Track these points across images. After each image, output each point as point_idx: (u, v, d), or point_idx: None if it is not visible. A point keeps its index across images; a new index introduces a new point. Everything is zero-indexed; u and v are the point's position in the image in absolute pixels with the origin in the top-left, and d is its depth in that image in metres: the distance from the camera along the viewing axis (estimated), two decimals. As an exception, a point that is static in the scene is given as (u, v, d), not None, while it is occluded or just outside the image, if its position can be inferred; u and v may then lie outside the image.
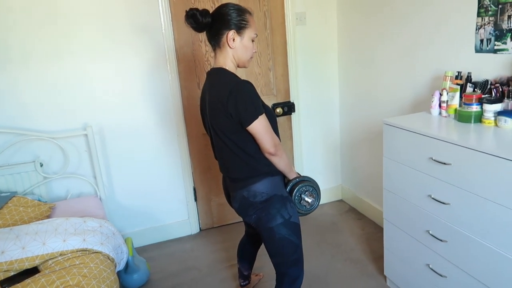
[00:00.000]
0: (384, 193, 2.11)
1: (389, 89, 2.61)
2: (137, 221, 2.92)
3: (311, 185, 1.73)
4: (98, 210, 2.41)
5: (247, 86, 1.53)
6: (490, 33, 1.82)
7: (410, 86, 2.41)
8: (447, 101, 1.89)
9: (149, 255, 2.82)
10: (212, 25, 1.59)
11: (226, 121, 1.55)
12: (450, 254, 1.73)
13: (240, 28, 1.58)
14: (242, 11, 1.60)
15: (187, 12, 1.54)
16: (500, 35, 1.77)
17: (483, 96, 1.74)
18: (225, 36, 1.57)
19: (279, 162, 1.63)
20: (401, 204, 1.99)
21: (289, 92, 3.07)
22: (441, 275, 1.81)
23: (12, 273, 1.75)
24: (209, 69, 1.67)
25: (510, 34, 1.73)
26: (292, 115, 3.13)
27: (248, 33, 1.61)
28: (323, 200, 3.42)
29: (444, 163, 1.66)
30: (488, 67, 1.86)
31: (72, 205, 2.42)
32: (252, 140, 1.59)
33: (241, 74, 2.92)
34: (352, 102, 3.08)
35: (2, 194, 2.27)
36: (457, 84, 1.88)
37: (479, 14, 1.86)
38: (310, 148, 3.28)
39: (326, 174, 3.40)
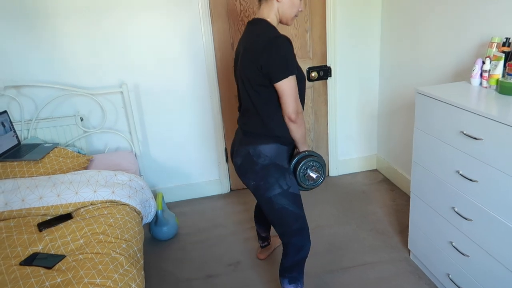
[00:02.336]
0: (412, 165, 2.03)
1: (432, 55, 2.42)
2: (170, 178, 3.04)
3: (318, 161, 1.72)
4: (132, 165, 2.53)
5: (285, 42, 1.49)
6: (546, -6, 1.60)
7: (455, 52, 2.22)
8: (489, 70, 1.73)
9: (180, 211, 2.95)
10: None
11: (256, 72, 1.53)
12: (474, 234, 1.65)
13: None
14: None
15: None
16: (557, -4, 1.56)
17: (529, 66, 1.57)
18: None
19: (296, 130, 1.61)
20: (429, 178, 1.90)
21: (326, 56, 2.95)
22: (463, 254, 1.74)
23: (49, 217, 1.92)
24: (250, 19, 1.65)
25: None
26: (328, 80, 3.03)
27: None
28: (357, 168, 3.35)
29: (475, 138, 1.54)
30: (541, 34, 1.66)
31: (108, 159, 2.56)
32: (275, 99, 1.57)
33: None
34: (393, 68, 2.91)
35: (46, 145, 2.45)
36: (503, 51, 1.70)
37: (537, -28, 1.64)
38: (346, 115, 3.18)
39: (361, 142, 3.30)
